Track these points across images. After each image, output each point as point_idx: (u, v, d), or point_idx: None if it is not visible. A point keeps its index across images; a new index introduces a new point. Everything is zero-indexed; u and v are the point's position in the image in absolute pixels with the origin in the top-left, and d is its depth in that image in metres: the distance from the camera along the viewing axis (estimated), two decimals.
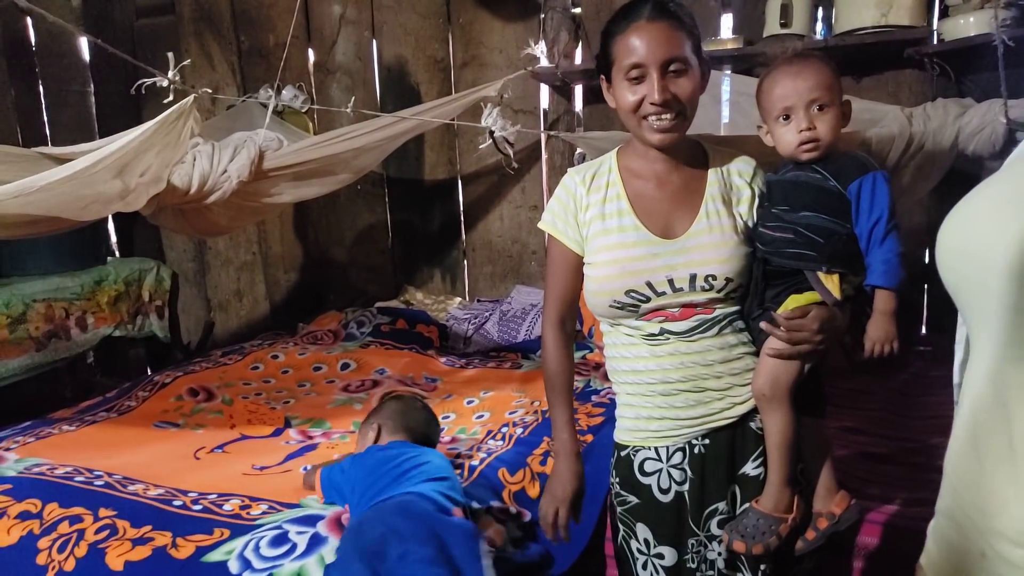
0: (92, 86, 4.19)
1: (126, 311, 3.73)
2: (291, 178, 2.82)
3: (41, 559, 1.78)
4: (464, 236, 4.11)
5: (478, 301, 4.04)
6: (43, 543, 1.81)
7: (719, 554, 1.53)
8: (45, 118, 4.09)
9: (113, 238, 4.29)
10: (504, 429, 2.49)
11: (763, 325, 1.44)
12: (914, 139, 2.39)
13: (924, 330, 3.49)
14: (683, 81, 1.40)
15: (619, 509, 1.61)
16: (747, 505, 1.51)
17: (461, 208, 4.08)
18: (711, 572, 1.55)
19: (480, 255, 4.06)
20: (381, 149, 3.08)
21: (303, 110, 3.92)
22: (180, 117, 1.87)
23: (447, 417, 2.70)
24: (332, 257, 4.32)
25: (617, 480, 1.61)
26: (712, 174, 1.51)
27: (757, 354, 1.50)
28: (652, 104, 1.39)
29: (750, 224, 1.49)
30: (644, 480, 1.55)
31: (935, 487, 2.07)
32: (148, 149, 1.77)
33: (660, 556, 1.56)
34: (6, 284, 3.24)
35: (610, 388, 2.87)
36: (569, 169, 1.63)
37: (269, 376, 3.10)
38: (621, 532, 1.62)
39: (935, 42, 2.84)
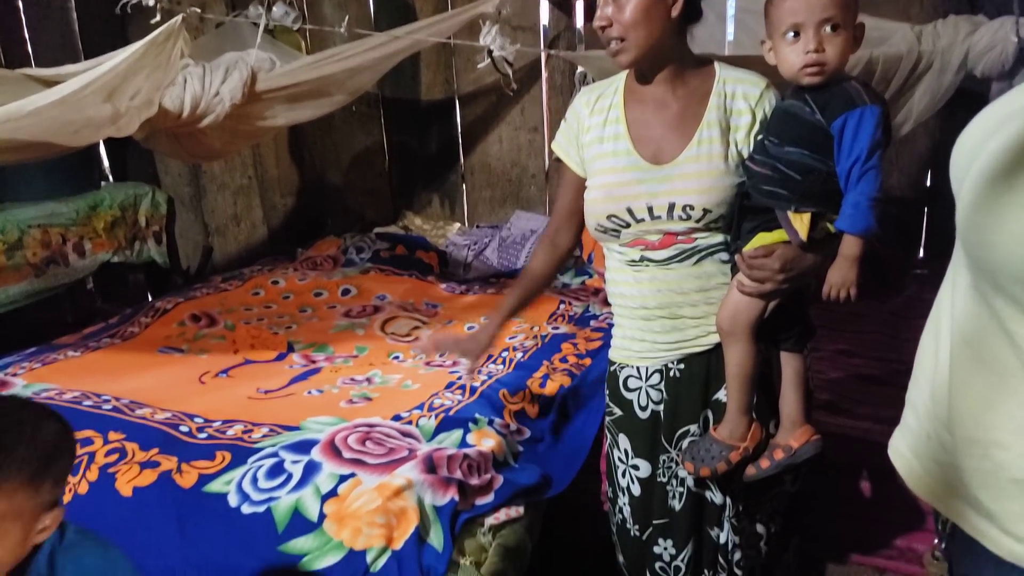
0: (73, 2, 4.04)
1: (123, 237, 3.70)
2: (285, 100, 2.77)
3: None
4: (462, 160, 4.07)
5: (477, 227, 4.03)
6: None
7: (688, 472, 1.58)
8: (27, 36, 3.96)
9: (106, 163, 4.22)
10: (504, 354, 2.52)
11: (736, 258, 1.44)
12: (922, 58, 2.33)
13: (923, 253, 3.50)
14: (624, 2, 1.38)
15: (607, 419, 1.71)
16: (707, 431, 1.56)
17: (459, 130, 4.02)
18: (681, 488, 1.61)
19: (479, 179, 4.03)
20: (376, 69, 3.01)
21: (294, 28, 3.79)
22: (169, 38, 1.81)
23: None
24: (329, 181, 4.28)
25: (608, 392, 1.70)
26: (714, 99, 1.47)
27: None
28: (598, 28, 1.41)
29: (745, 152, 1.45)
30: (627, 395, 1.63)
31: None
32: (137, 71, 1.73)
33: (636, 467, 1.65)
34: None
35: (608, 313, 2.90)
36: (582, 89, 1.64)
37: (270, 302, 3.11)
38: (608, 439, 1.72)
39: None
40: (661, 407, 1.60)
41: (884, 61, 2.30)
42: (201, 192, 4.37)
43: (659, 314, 1.53)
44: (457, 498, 1.70)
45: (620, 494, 1.71)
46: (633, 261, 1.52)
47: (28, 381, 2.25)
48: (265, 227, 4.33)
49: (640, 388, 1.61)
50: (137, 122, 1.98)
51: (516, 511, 1.81)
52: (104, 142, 4.01)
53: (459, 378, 2.30)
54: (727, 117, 1.46)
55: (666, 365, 1.57)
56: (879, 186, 1.31)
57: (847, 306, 1.56)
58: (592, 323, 2.80)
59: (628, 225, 1.49)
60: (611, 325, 2.73)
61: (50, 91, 1.62)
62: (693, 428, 1.58)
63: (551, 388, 2.25)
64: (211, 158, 3.37)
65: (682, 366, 1.56)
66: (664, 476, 1.62)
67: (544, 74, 3.70)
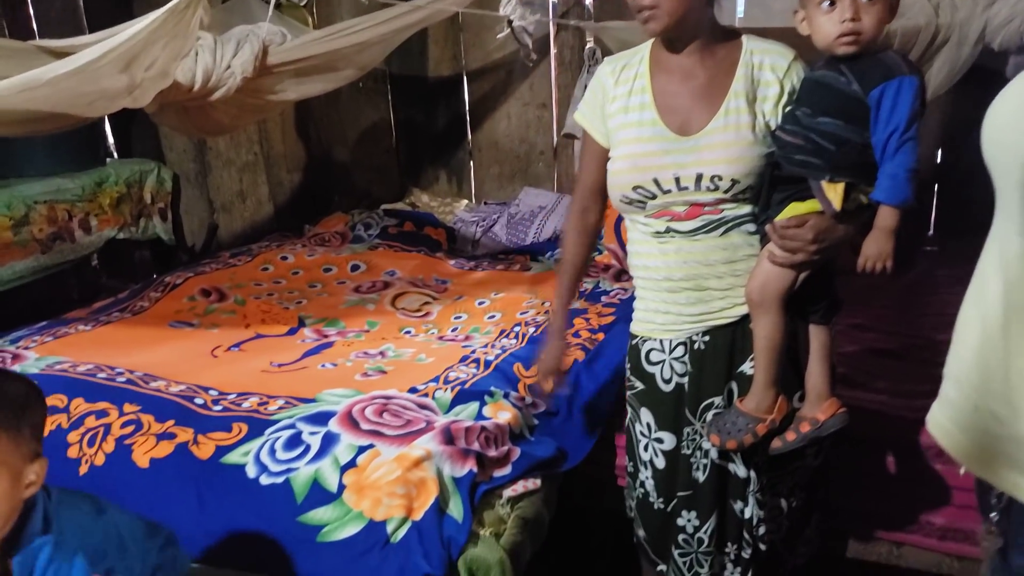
0: None
1: (129, 213, 3.69)
2: (295, 74, 2.75)
3: (72, 452, 1.83)
4: (470, 136, 4.04)
5: (485, 203, 4.01)
6: (72, 437, 1.86)
7: (713, 445, 1.58)
8: (31, 12, 3.92)
9: (111, 139, 4.20)
10: (517, 328, 2.52)
11: (767, 228, 1.43)
12: (940, 31, 2.31)
13: (932, 231, 3.49)
14: None
15: (628, 393, 1.70)
16: (733, 403, 1.55)
17: (467, 107, 3.99)
18: (705, 460, 1.61)
19: (487, 156, 4.00)
20: (386, 44, 2.99)
21: (302, 3, 3.77)
22: (189, 6, 1.79)
23: (459, 317, 2.73)
24: (335, 157, 4.25)
25: (629, 366, 1.69)
26: (742, 69, 1.46)
27: None
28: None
29: (772, 123, 1.44)
30: (649, 369, 1.63)
31: (939, 380, 2.12)
32: (155, 41, 1.71)
33: (659, 440, 1.65)
34: (5, 186, 3.18)
35: (618, 289, 2.90)
36: (605, 59, 1.62)
37: (279, 277, 3.10)
38: (629, 414, 1.71)
39: None
40: (685, 380, 1.59)
41: (902, 34, 2.28)
42: (206, 169, 4.34)
43: (684, 286, 1.52)
44: (476, 469, 1.71)
45: (642, 468, 1.70)
46: (658, 232, 1.52)
47: (40, 354, 2.25)
48: (271, 204, 4.31)
49: (663, 361, 1.60)
50: (152, 93, 1.96)
51: (533, 483, 1.82)
52: (109, 118, 3.99)
53: (472, 352, 2.30)
54: (754, 88, 1.45)
55: (690, 338, 1.56)
56: (916, 158, 1.30)
57: (864, 279, 1.55)
58: (603, 299, 2.79)
59: (654, 196, 1.49)
60: (622, 301, 2.77)
61: (68, 59, 1.60)
62: (717, 400, 1.57)
63: (565, 362, 2.24)
64: (219, 133, 3.35)
65: (707, 338, 1.55)
66: (688, 448, 1.62)
67: (553, 50, 3.67)
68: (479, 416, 1.90)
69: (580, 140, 3.65)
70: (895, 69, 1.29)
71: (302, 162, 4.28)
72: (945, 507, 1.89)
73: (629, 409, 1.71)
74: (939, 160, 3.50)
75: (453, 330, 2.62)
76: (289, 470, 1.68)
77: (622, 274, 3.05)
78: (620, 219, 3.01)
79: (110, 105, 1.85)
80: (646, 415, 1.66)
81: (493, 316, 2.70)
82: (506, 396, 2.01)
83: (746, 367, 1.55)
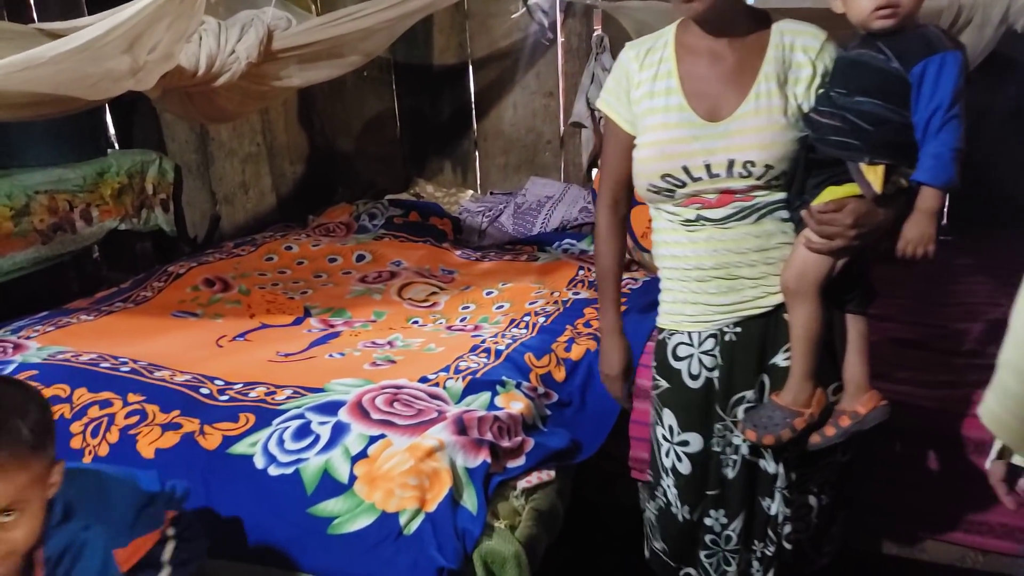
0: None
1: (131, 204, 3.64)
2: (300, 60, 2.70)
3: (75, 443, 1.78)
4: (475, 125, 3.99)
5: (491, 193, 3.96)
6: (75, 427, 1.81)
7: (743, 440, 1.53)
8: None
9: (111, 129, 4.15)
10: (527, 318, 2.47)
11: (803, 213, 1.38)
12: (962, 12, 2.26)
13: (946, 220, 3.44)
14: None
15: (653, 393, 1.63)
16: (769, 397, 1.50)
17: (472, 95, 3.94)
18: (735, 456, 1.55)
19: (492, 145, 3.95)
20: (392, 30, 2.94)
21: None
22: None
23: (467, 307, 2.68)
24: (339, 148, 4.20)
25: (655, 364, 1.62)
26: (772, 51, 1.41)
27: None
28: None
29: (805, 106, 1.39)
30: (676, 364, 1.56)
31: (961, 370, 2.07)
32: (159, 20, 1.66)
33: (684, 443, 1.58)
34: (5, 176, 3.14)
35: (627, 278, 2.85)
36: (627, 43, 1.56)
37: (284, 267, 3.05)
38: (653, 417, 1.65)
39: None
40: (715, 374, 1.53)
41: (923, 15, 2.22)
42: (209, 159, 4.30)
43: (715, 275, 1.47)
44: (489, 460, 1.67)
45: (663, 476, 1.63)
46: (688, 221, 1.46)
47: (42, 344, 2.20)
48: (274, 195, 4.26)
49: (691, 355, 1.54)
50: (156, 75, 1.91)
51: (548, 475, 1.78)
52: (110, 108, 3.94)
53: (482, 341, 2.25)
54: (785, 70, 1.40)
55: (721, 329, 1.51)
56: (961, 136, 1.24)
57: (881, 269, 1.51)
58: None
59: (683, 184, 1.43)
60: (633, 291, 2.72)
61: (70, 37, 1.55)
62: (749, 394, 1.52)
63: (577, 352, 2.20)
64: (223, 120, 3.30)
65: (738, 330, 1.50)
66: (719, 446, 1.56)
67: (560, 37, 3.62)
68: (491, 406, 1.86)
69: (587, 129, 3.63)
70: (937, 44, 1.24)
71: (305, 153, 4.24)
72: (969, 499, 1.85)
73: (652, 412, 1.65)
74: None
75: (462, 320, 2.58)
76: (298, 460, 1.64)
77: (631, 264, 3.00)
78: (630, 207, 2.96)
79: (113, 87, 1.80)
80: (668, 417, 1.59)
81: (501, 306, 2.66)
82: (518, 386, 1.97)
83: (779, 359, 1.50)
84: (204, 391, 1.93)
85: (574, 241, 3.30)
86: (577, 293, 2.70)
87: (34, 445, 1.05)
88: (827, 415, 1.49)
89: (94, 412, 1.84)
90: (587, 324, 2.41)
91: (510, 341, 2.24)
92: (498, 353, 2.14)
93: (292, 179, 4.27)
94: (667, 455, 1.61)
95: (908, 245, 1.29)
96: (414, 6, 2.86)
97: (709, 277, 1.47)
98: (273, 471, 1.64)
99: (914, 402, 1.90)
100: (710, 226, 1.44)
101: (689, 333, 1.54)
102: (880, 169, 1.30)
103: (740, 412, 1.52)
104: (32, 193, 3.13)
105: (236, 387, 1.96)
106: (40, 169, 3.25)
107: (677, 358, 1.56)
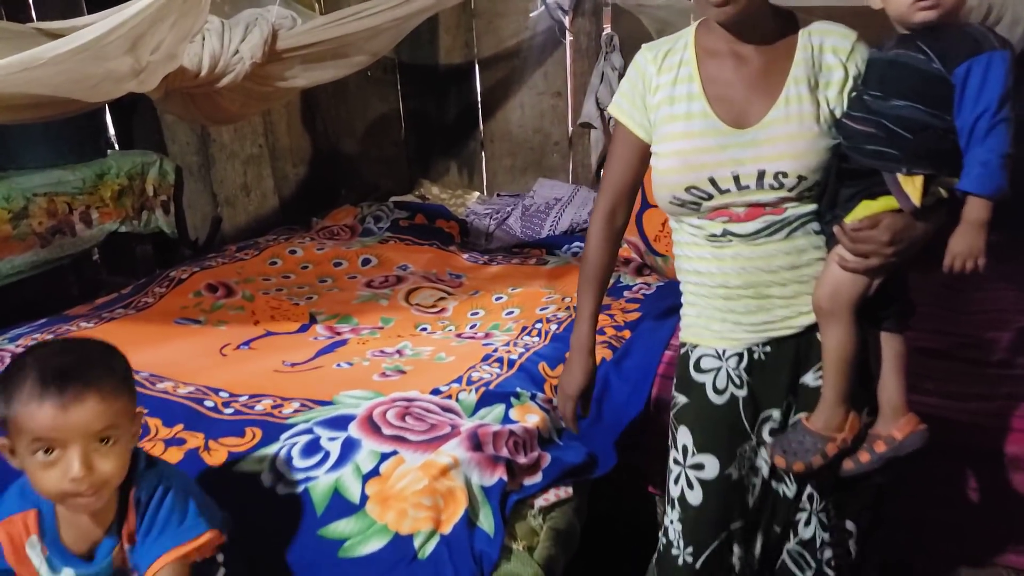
0: None
1: (131, 206, 3.59)
2: (304, 60, 2.64)
3: None
4: (482, 126, 3.93)
5: (498, 195, 3.90)
6: None
7: (765, 461, 1.44)
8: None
9: (112, 130, 4.09)
10: (538, 325, 2.41)
11: (835, 230, 1.29)
12: (992, 10, 2.19)
13: None
14: None
15: (671, 413, 1.52)
16: (797, 418, 1.41)
17: (478, 96, 3.88)
18: (756, 479, 1.45)
19: (499, 147, 3.89)
20: (398, 29, 2.88)
21: None
22: None
23: (476, 313, 2.62)
24: (342, 149, 4.14)
25: (676, 378, 1.53)
26: (800, 53, 1.31)
27: None
28: None
29: (837, 112, 1.30)
30: (699, 377, 1.45)
31: (993, 381, 1.99)
32: (163, 19, 1.59)
33: (699, 467, 1.44)
34: (3, 178, 3.09)
35: (641, 283, 2.79)
36: (643, 45, 1.46)
37: (288, 272, 2.99)
38: (669, 436, 1.53)
39: None
40: (743, 392, 1.42)
41: None
42: (210, 161, 4.23)
43: (743, 294, 1.38)
44: (506, 478, 1.60)
45: (669, 509, 1.50)
46: (714, 236, 1.37)
47: None
48: (276, 197, 4.20)
49: (718, 368, 1.44)
50: (159, 76, 1.85)
51: (565, 492, 1.71)
52: (110, 109, 3.89)
53: (495, 350, 2.19)
54: (816, 73, 1.31)
55: (749, 348, 1.41)
56: (1010, 141, 1.16)
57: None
58: (626, 294, 2.68)
59: (710, 197, 1.34)
60: (646, 296, 2.65)
61: (70, 37, 1.49)
62: (775, 413, 1.43)
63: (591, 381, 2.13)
64: (226, 121, 3.24)
65: (768, 349, 1.41)
66: (739, 471, 1.43)
67: (569, 36, 3.55)
68: (506, 419, 1.80)
69: (597, 130, 3.56)
70: (984, 43, 1.16)
71: (308, 155, 4.18)
72: (1006, 518, 1.78)
73: (669, 431, 1.53)
74: None
75: (471, 327, 2.51)
76: (308, 479, 1.57)
77: (643, 268, 2.94)
78: (642, 209, 2.90)
79: (115, 89, 1.74)
80: (683, 435, 1.46)
81: (512, 312, 2.60)
82: (533, 398, 1.90)
83: (808, 378, 1.41)
84: (208, 403, 1.86)
85: (584, 244, 3.24)
86: None
87: (125, 378, 1.21)
88: (861, 439, 1.40)
89: None
90: (600, 331, 2.34)
91: (523, 350, 2.18)
92: (511, 363, 2.08)
93: (295, 181, 4.21)
94: (676, 481, 1.47)
95: (956, 259, 1.21)
96: (420, 5, 2.80)
97: (737, 296, 1.38)
98: (281, 490, 1.57)
99: (944, 415, 1.83)
100: (738, 242, 1.35)
101: (715, 348, 1.44)
102: (919, 180, 1.21)
103: (766, 432, 1.44)
104: (30, 195, 3.09)
105: (242, 399, 1.89)
106: (39, 171, 3.20)
107: (700, 370, 1.45)
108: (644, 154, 1.43)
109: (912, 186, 1.21)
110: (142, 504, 1.22)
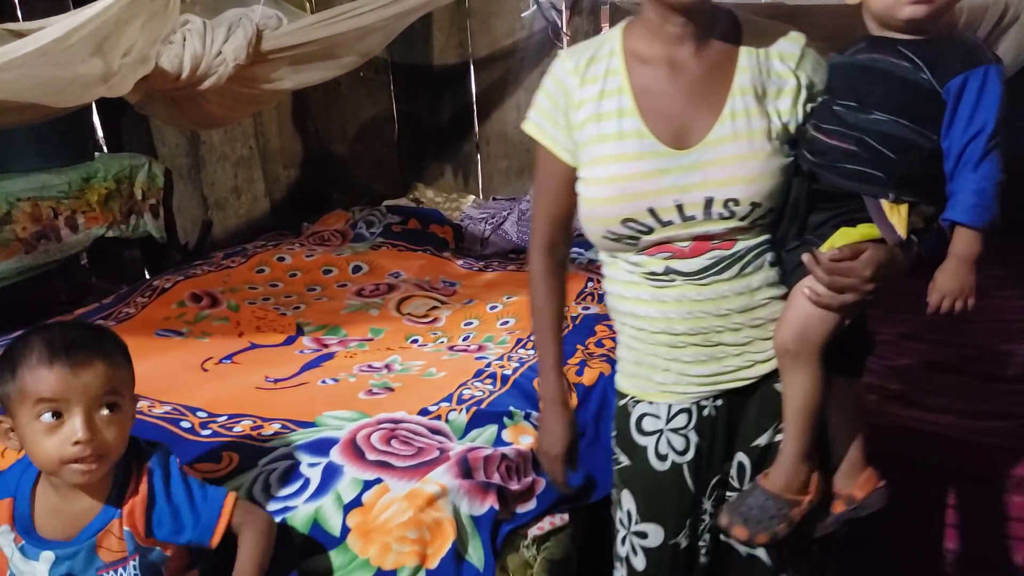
0: None
1: (118, 210, 3.54)
2: (292, 61, 2.56)
3: None
4: (477, 128, 3.85)
5: (494, 199, 3.82)
6: None
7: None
8: None
9: (99, 132, 4.01)
10: (534, 337, 2.32)
11: (805, 259, 1.12)
12: (1008, 9, 2.09)
13: None
14: None
15: (614, 468, 1.37)
16: (755, 481, 1.25)
17: (473, 97, 3.80)
18: (703, 543, 1.31)
19: (495, 149, 3.81)
20: (388, 29, 2.80)
21: None
22: None
23: (470, 323, 2.53)
24: (334, 152, 4.06)
25: (615, 433, 1.37)
26: (745, 58, 1.16)
27: (787, 298, 1.18)
28: None
29: (792, 125, 1.15)
30: (640, 440, 1.30)
31: (1007, 398, 1.91)
32: (130, 20, 1.51)
33: (642, 535, 1.31)
34: None
35: None
36: (559, 52, 1.29)
37: (276, 280, 2.90)
38: (613, 494, 1.40)
39: None
40: (687, 457, 1.27)
41: (969, 12, 2.07)
42: (200, 164, 4.15)
43: (690, 341, 1.21)
44: (497, 507, 1.52)
45: (617, 566, 1.38)
46: (654, 275, 1.19)
47: None
48: (267, 200, 4.13)
49: (659, 432, 1.27)
50: (131, 81, 1.76)
51: (561, 519, 1.64)
52: (98, 110, 3.81)
53: (488, 365, 2.10)
54: (763, 81, 1.15)
55: (698, 403, 1.25)
56: (1002, 166, 1.04)
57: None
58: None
59: (650, 230, 1.17)
60: None
61: (28, 39, 1.41)
62: (728, 474, 1.29)
63: (589, 377, 2.05)
64: (212, 125, 3.16)
65: (719, 403, 1.25)
66: (686, 539, 1.30)
67: (566, 36, 3.46)
68: (498, 441, 1.72)
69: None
70: (979, 55, 1.04)
71: (299, 157, 4.10)
72: (1017, 545, 1.70)
73: (613, 489, 1.39)
74: None
75: (464, 338, 2.42)
76: (286, 509, 1.48)
77: None
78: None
79: (84, 94, 1.66)
80: (627, 500, 1.32)
81: (506, 322, 2.51)
82: (527, 417, 1.82)
83: (763, 440, 1.26)
84: (185, 425, 1.77)
85: (582, 251, 3.15)
86: (587, 308, 2.55)
87: (127, 357, 1.23)
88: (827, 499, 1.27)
89: None
90: (599, 343, 2.26)
91: (517, 364, 2.09)
92: (504, 379, 1.99)
93: (286, 184, 4.13)
94: (623, 542, 1.35)
95: (945, 299, 1.08)
96: (412, 4, 2.72)
97: (683, 343, 1.21)
98: None
99: (951, 434, 1.75)
100: (682, 281, 1.18)
101: (657, 404, 1.27)
102: (904, 208, 1.08)
103: (724, 499, 1.29)
104: (14, 200, 3.05)
105: (220, 420, 1.80)
106: (22, 175, 3.15)
107: (642, 432, 1.29)
108: (571, 179, 1.24)
109: (898, 215, 1.08)
110: (156, 474, 1.26)
